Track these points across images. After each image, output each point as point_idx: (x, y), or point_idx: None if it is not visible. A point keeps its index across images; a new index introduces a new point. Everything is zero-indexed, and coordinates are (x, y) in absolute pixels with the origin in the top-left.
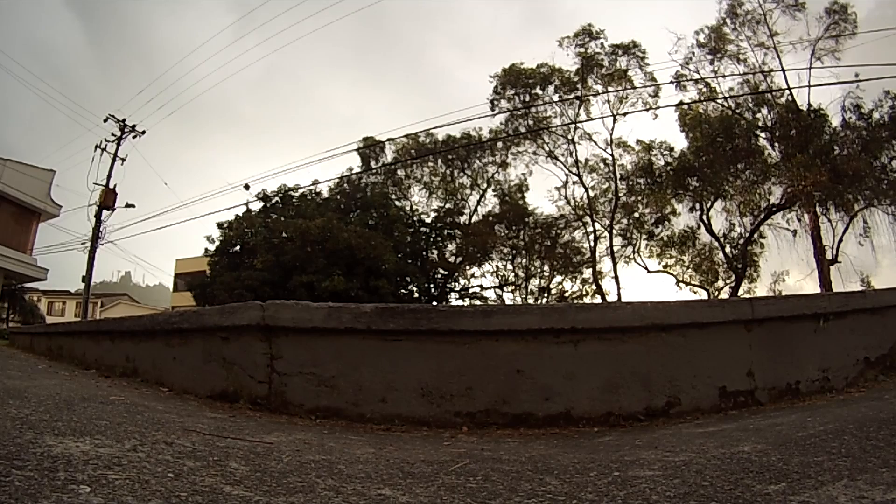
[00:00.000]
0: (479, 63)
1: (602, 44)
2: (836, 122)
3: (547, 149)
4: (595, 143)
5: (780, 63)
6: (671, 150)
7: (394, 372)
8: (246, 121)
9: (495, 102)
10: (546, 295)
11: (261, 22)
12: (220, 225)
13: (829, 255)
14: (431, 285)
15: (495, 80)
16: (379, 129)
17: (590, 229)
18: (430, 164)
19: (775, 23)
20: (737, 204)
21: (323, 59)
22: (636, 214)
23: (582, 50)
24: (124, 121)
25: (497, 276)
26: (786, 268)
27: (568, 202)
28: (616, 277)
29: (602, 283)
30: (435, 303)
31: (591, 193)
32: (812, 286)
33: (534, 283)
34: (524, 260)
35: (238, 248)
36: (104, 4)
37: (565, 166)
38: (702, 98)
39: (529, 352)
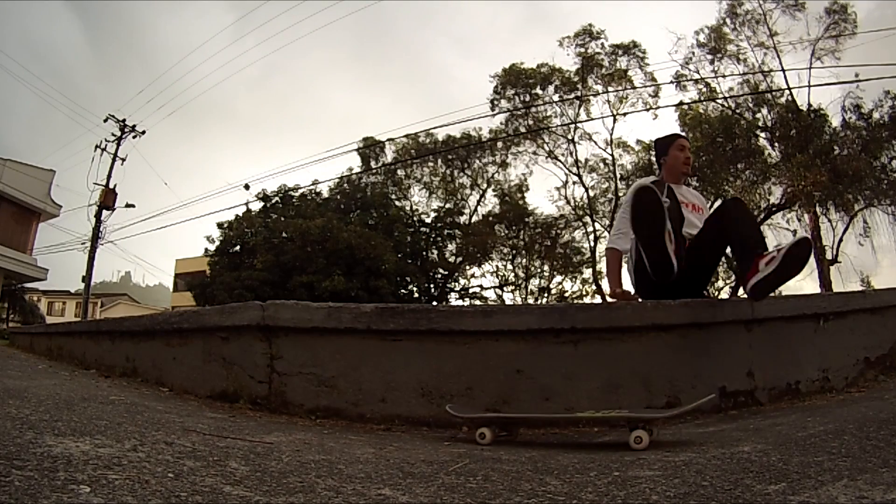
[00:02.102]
0: (479, 62)
1: (602, 44)
2: (836, 122)
3: (547, 149)
4: (595, 143)
5: (780, 63)
6: None
7: (394, 372)
8: (246, 121)
9: (495, 102)
10: (546, 295)
11: (260, 22)
12: (220, 225)
13: (829, 255)
14: (431, 285)
15: (495, 79)
16: (379, 129)
17: (590, 229)
18: (430, 164)
19: (775, 23)
20: None
21: (322, 58)
22: None
23: (582, 50)
24: (124, 121)
25: (497, 276)
26: None
27: (568, 202)
28: None
29: (602, 283)
30: (435, 303)
31: (591, 193)
32: (812, 286)
33: (534, 283)
34: (524, 260)
35: (238, 248)
36: (104, 4)
37: (565, 166)
38: (702, 98)
39: (529, 352)
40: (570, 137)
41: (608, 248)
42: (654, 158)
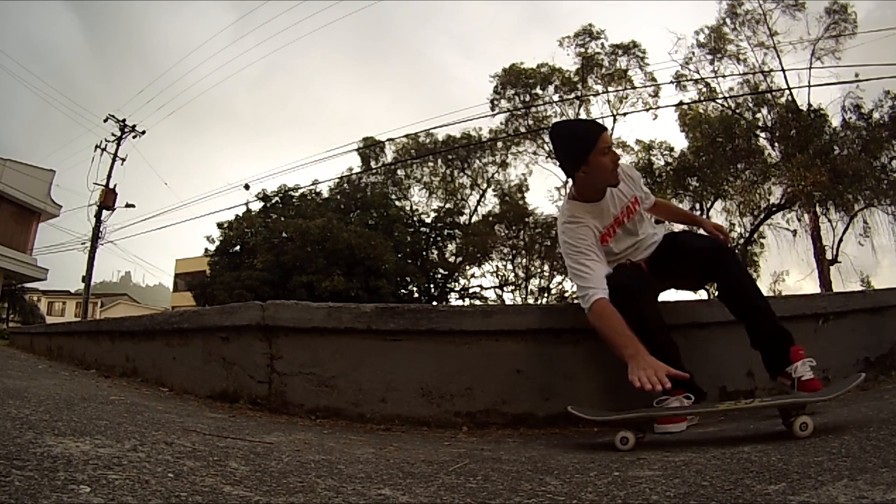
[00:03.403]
0: (479, 62)
1: (602, 44)
2: (836, 122)
3: (547, 149)
4: None
5: (780, 63)
6: (671, 150)
7: (394, 372)
8: (246, 120)
9: (495, 102)
10: (546, 295)
11: (260, 22)
12: (220, 225)
13: (829, 255)
14: (431, 285)
15: (495, 79)
16: (379, 129)
17: None
18: (430, 164)
19: (775, 23)
20: (737, 204)
21: (323, 58)
22: None
23: (582, 50)
24: (124, 121)
25: (497, 276)
26: (786, 268)
27: None
28: None
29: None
30: (435, 303)
31: None
32: (812, 286)
33: (534, 283)
34: (524, 260)
35: (238, 248)
36: (104, 4)
37: None
38: (702, 98)
39: (529, 352)
40: None
41: (598, 299)
42: (653, 158)
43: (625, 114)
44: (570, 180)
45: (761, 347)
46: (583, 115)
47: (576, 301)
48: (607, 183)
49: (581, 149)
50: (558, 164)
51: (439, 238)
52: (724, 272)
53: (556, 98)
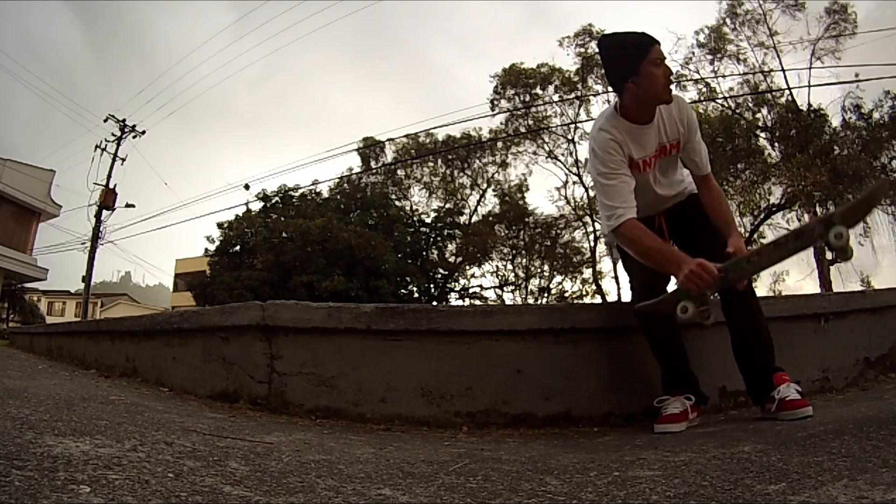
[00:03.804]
0: (479, 62)
1: None
2: (836, 122)
3: (547, 149)
4: None
5: (780, 63)
6: None
7: (394, 372)
8: (246, 120)
9: (495, 102)
10: (546, 295)
11: (260, 22)
12: (220, 225)
13: (829, 255)
14: (431, 285)
15: (495, 79)
16: (379, 129)
17: (590, 229)
18: (430, 164)
19: (775, 23)
20: (737, 204)
21: (323, 58)
22: None
23: (582, 50)
24: (124, 121)
25: (497, 276)
26: (786, 268)
27: (568, 202)
28: (616, 277)
29: (602, 283)
30: (435, 303)
31: (591, 193)
32: (812, 286)
33: (534, 283)
34: (524, 260)
35: (238, 248)
36: (104, 4)
37: (565, 166)
38: (702, 98)
39: (529, 352)
40: (569, 137)
41: (627, 220)
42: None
43: None
44: (617, 96)
45: (749, 376)
46: (583, 115)
47: (575, 301)
48: (659, 98)
49: (631, 57)
50: (605, 75)
51: (439, 238)
52: (733, 297)
53: (556, 98)
